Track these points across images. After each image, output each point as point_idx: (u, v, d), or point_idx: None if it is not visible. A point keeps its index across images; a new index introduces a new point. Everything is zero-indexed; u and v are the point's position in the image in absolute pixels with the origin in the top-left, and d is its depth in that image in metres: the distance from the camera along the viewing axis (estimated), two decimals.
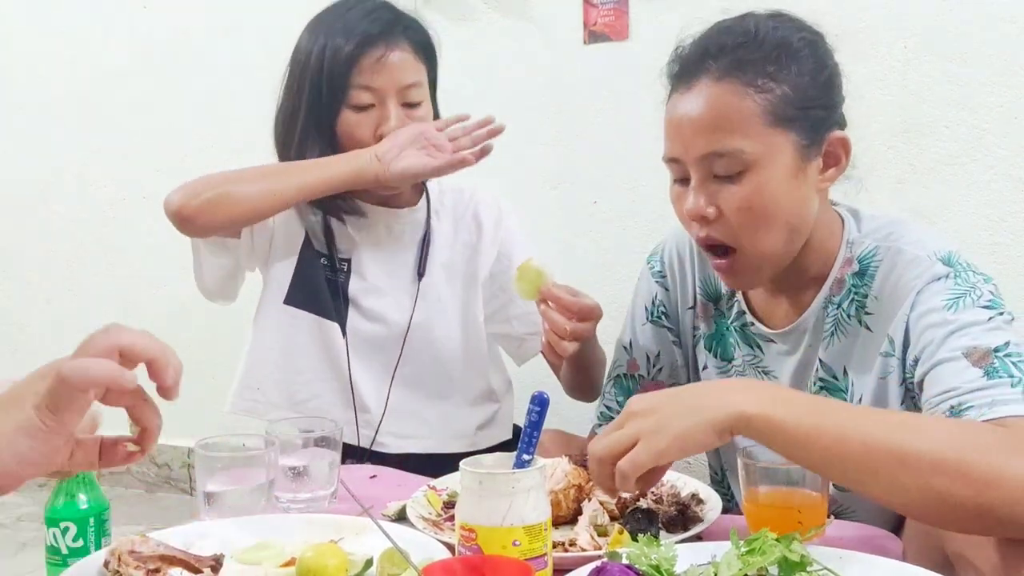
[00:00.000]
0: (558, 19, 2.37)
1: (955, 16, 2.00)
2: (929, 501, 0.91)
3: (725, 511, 1.17)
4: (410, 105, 1.59)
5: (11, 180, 3.19)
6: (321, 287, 1.63)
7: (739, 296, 1.35)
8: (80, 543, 1.07)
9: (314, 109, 1.58)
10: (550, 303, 1.33)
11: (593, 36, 2.34)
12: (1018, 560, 0.92)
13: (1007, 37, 1.97)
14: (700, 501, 1.16)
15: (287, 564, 0.98)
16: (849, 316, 1.23)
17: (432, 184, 1.73)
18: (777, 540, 0.88)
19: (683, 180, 1.20)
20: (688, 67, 1.19)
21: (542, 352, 1.42)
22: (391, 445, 1.64)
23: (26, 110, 3.14)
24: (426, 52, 1.63)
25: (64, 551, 1.07)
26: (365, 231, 1.66)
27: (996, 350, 1.06)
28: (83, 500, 1.09)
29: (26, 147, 3.16)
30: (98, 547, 1.07)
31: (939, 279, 1.14)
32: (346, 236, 1.66)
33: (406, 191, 1.67)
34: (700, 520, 1.10)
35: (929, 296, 1.14)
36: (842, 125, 1.22)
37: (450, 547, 0.98)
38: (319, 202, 1.61)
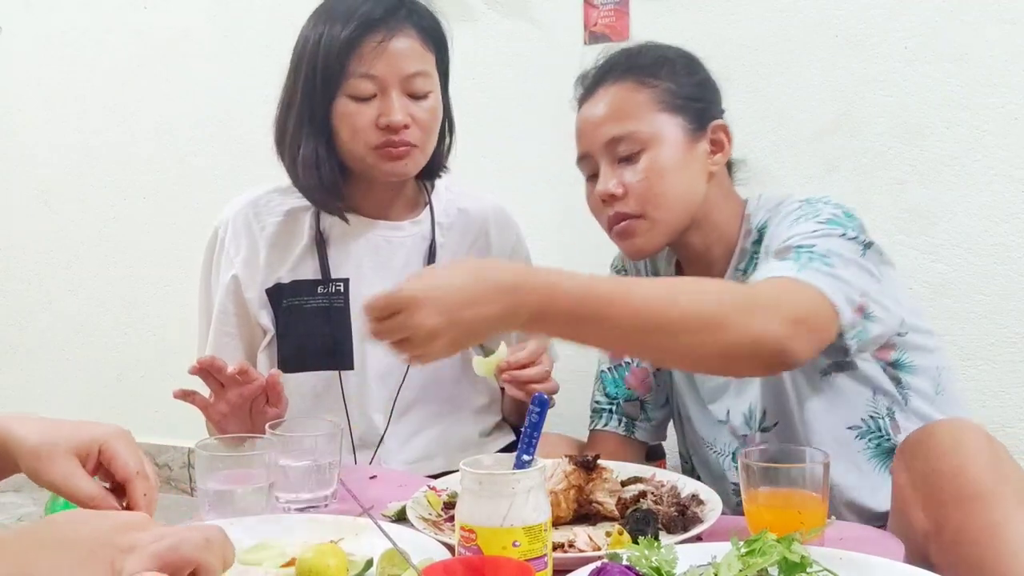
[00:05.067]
0: (558, 20, 2.37)
1: (955, 16, 1.99)
2: (690, 355, 1.11)
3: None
4: (416, 96, 1.50)
5: (11, 180, 3.19)
6: (313, 336, 1.53)
7: None
8: None
9: (309, 99, 1.49)
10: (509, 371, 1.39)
11: (593, 37, 2.34)
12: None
13: (1007, 37, 1.96)
14: (700, 502, 1.16)
15: (287, 564, 0.98)
16: (751, 272, 1.37)
17: (438, 195, 1.66)
18: (777, 541, 0.89)
19: (593, 176, 1.42)
20: (591, 83, 1.44)
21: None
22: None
23: (26, 110, 3.15)
24: (435, 40, 1.54)
25: None
26: (363, 247, 1.57)
27: (799, 247, 1.20)
28: None
29: (26, 147, 3.16)
30: None
31: (792, 210, 1.31)
32: (342, 254, 1.56)
33: (400, 202, 1.62)
34: (700, 521, 1.10)
35: (776, 225, 1.32)
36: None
37: (450, 548, 0.98)
38: (316, 210, 1.56)
